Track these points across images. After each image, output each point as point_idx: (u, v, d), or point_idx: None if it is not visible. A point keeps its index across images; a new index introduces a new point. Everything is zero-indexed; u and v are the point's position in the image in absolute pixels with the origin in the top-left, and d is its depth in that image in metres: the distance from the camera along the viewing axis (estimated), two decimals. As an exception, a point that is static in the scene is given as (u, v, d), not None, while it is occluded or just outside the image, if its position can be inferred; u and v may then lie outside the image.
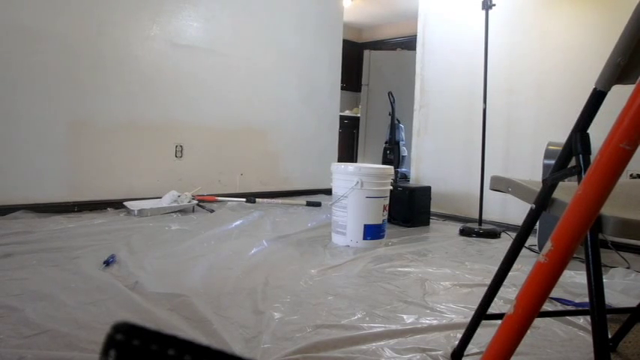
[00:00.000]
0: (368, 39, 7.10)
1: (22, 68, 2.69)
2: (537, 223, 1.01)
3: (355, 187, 2.22)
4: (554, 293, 1.59)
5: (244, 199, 3.42)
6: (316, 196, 3.96)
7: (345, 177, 2.26)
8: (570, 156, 0.85)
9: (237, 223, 2.62)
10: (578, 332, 1.30)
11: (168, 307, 1.35)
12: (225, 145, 3.63)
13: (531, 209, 0.92)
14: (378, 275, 1.80)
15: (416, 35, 3.54)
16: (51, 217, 2.62)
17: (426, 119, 3.47)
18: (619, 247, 2.23)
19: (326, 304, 1.46)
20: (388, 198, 2.36)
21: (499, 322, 0.71)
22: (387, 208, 2.36)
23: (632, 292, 1.61)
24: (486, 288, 1.04)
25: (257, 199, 3.44)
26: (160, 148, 3.30)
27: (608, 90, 0.80)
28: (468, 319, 1.10)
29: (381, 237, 2.34)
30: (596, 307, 0.74)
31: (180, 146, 3.40)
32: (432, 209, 3.10)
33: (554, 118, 2.74)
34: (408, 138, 3.84)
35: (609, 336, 1.21)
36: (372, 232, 2.27)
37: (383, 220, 2.33)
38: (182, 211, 2.97)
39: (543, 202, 0.89)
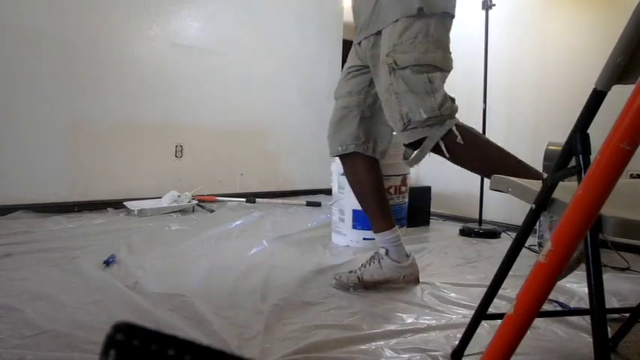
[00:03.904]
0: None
1: (22, 68, 2.69)
2: (537, 223, 1.01)
3: None
4: (552, 295, 1.59)
5: (244, 199, 3.42)
6: (316, 196, 3.96)
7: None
8: (570, 156, 0.85)
9: (237, 223, 2.62)
10: (578, 332, 1.30)
11: (168, 307, 1.35)
12: (225, 145, 3.63)
13: (531, 209, 0.92)
14: (378, 275, 1.80)
15: (416, 35, 3.53)
16: (51, 217, 2.62)
17: (426, 119, 3.46)
18: (619, 247, 2.22)
19: (326, 304, 1.46)
20: (392, 178, 2.17)
21: (499, 322, 0.71)
22: (388, 191, 2.20)
23: (633, 292, 1.61)
24: (486, 288, 1.04)
25: (257, 199, 3.44)
26: (159, 148, 3.30)
27: (608, 90, 0.80)
28: (468, 319, 1.10)
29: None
30: (596, 307, 0.74)
31: (180, 146, 3.40)
32: (432, 209, 3.10)
33: (554, 118, 2.74)
34: (408, 138, 3.84)
35: (609, 336, 1.21)
36: (363, 220, 2.06)
37: None
38: (182, 211, 2.97)
39: (543, 202, 0.89)
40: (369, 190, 1.65)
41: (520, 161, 1.37)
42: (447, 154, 1.38)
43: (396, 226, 1.66)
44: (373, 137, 1.62)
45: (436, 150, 1.39)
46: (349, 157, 1.64)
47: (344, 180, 1.91)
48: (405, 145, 1.44)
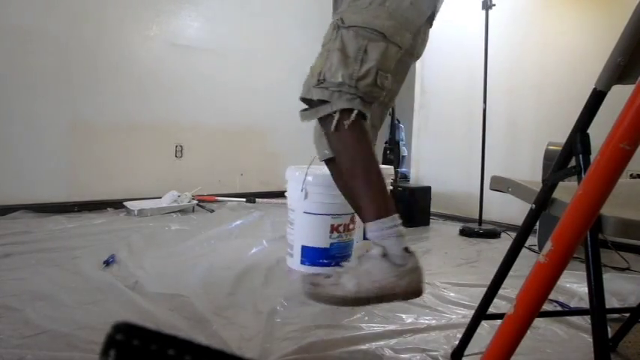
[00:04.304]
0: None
1: (22, 68, 2.69)
2: (537, 223, 1.01)
3: (300, 199, 1.82)
4: (552, 295, 1.59)
5: (244, 199, 3.42)
6: (316, 196, 3.95)
7: (295, 185, 1.88)
8: (570, 156, 0.85)
9: (237, 223, 2.62)
10: (578, 332, 1.30)
11: (168, 307, 1.35)
12: (225, 145, 3.63)
13: (531, 209, 0.92)
14: (378, 275, 1.79)
15: (416, 35, 3.52)
16: (51, 217, 2.62)
17: (426, 119, 3.47)
18: (619, 247, 2.23)
19: (326, 304, 1.46)
20: (342, 217, 1.83)
21: (499, 322, 0.71)
22: (337, 230, 1.82)
23: (632, 292, 1.61)
24: (486, 288, 1.04)
25: (257, 199, 3.44)
26: (159, 148, 3.30)
27: (608, 90, 0.80)
28: (468, 319, 1.10)
29: (327, 264, 1.83)
30: (596, 307, 0.74)
31: (180, 146, 3.40)
32: (432, 209, 3.10)
33: (554, 118, 2.74)
34: (408, 138, 3.84)
35: (609, 336, 1.21)
36: (312, 256, 1.82)
37: (331, 244, 1.81)
38: (182, 211, 2.97)
39: (543, 202, 0.89)
40: None
41: (385, 191, 1.27)
42: (332, 129, 1.26)
43: None
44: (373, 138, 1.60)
45: (325, 119, 1.29)
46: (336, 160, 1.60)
47: (294, 215, 1.85)
48: (301, 98, 1.34)
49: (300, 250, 1.83)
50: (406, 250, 1.19)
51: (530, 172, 2.78)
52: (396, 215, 1.24)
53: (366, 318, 1.36)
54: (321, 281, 1.22)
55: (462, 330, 1.11)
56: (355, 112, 1.26)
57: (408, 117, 3.67)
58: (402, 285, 1.15)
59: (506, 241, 2.59)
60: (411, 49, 1.47)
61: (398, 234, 1.21)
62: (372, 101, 1.31)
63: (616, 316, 1.37)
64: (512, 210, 2.86)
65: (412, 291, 1.15)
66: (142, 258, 1.85)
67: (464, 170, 3.17)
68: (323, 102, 1.28)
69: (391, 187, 2.37)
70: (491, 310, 1.06)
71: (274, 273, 1.76)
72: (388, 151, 3.68)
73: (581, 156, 0.81)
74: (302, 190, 1.81)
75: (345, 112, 1.25)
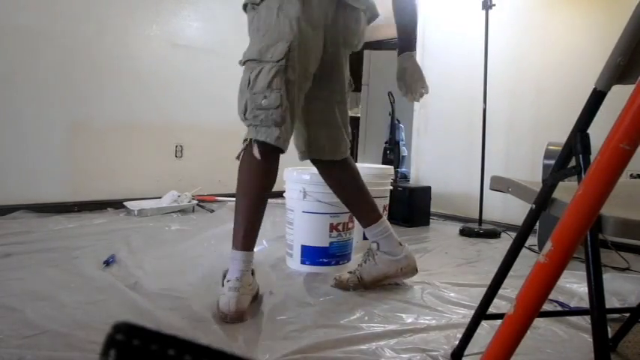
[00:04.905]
0: (368, 39, 7.07)
1: (22, 69, 2.69)
2: (537, 223, 1.01)
3: (298, 199, 1.85)
4: (552, 295, 1.59)
5: (244, 199, 3.41)
6: (316, 196, 3.95)
7: (293, 185, 1.90)
8: (570, 156, 0.85)
9: (237, 223, 2.61)
10: (578, 332, 1.30)
11: (168, 307, 1.35)
12: (225, 145, 3.62)
13: (531, 209, 0.92)
14: (378, 275, 1.79)
15: (416, 35, 3.53)
16: (51, 217, 2.62)
17: (426, 119, 3.47)
18: (619, 247, 2.23)
19: (326, 304, 1.46)
20: (341, 216, 1.85)
21: (499, 322, 0.71)
22: (337, 228, 1.86)
23: (633, 292, 1.61)
24: (486, 288, 1.04)
25: (257, 199, 3.43)
26: (159, 148, 3.30)
27: (608, 90, 0.80)
28: (468, 319, 1.10)
29: (327, 264, 1.85)
30: (596, 307, 0.74)
31: (180, 146, 3.40)
32: (432, 209, 3.10)
33: (554, 118, 2.74)
34: (408, 138, 3.84)
35: (609, 336, 1.21)
36: (312, 255, 1.85)
37: (331, 243, 1.85)
38: (182, 211, 2.97)
39: (543, 202, 0.89)
40: (347, 188, 1.65)
41: (246, 226, 1.40)
42: (239, 157, 1.43)
43: (384, 218, 1.65)
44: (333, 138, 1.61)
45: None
46: (319, 160, 1.64)
47: (293, 215, 1.86)
48: None
49: (299, 249, 1.85)
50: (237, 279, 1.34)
51: (530, 172, 2.78)
52: (243, 253, 1.37)
53: (366, 318, 1.36)
54: None
55: (462, 330, 1.11)
56: (258, 140, 1.40)
57: (408, 117, 3.67)
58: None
59: (506, 241, 2.59)
60: (333, 42, 1.50)
61: (239, 267, 1.36)
62: (272, 124, 1.37)
63: (616, 316, 1.37)
64: (512, 210, 2.86)
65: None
66: (142, 258, 1.85)
67: (464, 170, 3.17)
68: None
69: (391, 187, 2.37)
70: (492, 310, 1.06)
71: (274, 273, 1.76)
72: (388, 151, 3.68)
73: (581, 156, 0.81)
74: (300, 191, 1.82)
75: (248, 143, 1.43)
